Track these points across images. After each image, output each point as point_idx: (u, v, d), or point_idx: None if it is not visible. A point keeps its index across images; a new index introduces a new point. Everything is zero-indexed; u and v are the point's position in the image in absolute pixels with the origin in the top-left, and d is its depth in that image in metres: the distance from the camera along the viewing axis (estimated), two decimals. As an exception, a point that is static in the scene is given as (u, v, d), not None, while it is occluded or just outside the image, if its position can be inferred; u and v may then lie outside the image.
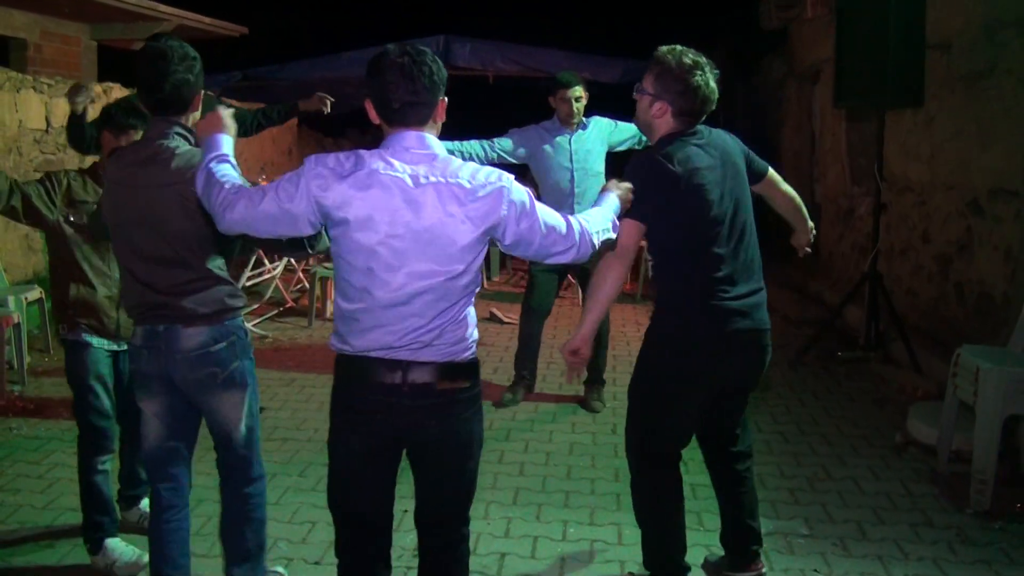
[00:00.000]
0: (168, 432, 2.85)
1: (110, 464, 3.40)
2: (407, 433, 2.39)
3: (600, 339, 5.33)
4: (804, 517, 3.82)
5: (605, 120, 5.33)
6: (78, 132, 4.20)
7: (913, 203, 6.41)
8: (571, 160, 5.16)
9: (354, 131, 14.52)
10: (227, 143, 2.45)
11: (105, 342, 3.37)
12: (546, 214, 2.35)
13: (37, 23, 9.03)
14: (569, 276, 5.40)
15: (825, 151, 9.06)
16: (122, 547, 3.37)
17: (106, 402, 3.36)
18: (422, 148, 2.28)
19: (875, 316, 6.04)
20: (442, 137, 2.42)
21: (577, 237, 2.38)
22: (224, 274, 2.82)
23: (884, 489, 4.13)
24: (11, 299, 5.77)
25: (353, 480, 2.45)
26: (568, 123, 5.16)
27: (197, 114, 2.77)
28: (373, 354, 2.30)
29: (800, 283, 8.82)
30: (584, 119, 5.21)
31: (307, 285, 7.97)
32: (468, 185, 2.25)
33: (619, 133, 5.30)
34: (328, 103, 4.95)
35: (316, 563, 3.41)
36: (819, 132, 9.44)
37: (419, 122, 2.29)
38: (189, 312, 2.72)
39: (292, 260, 7.88)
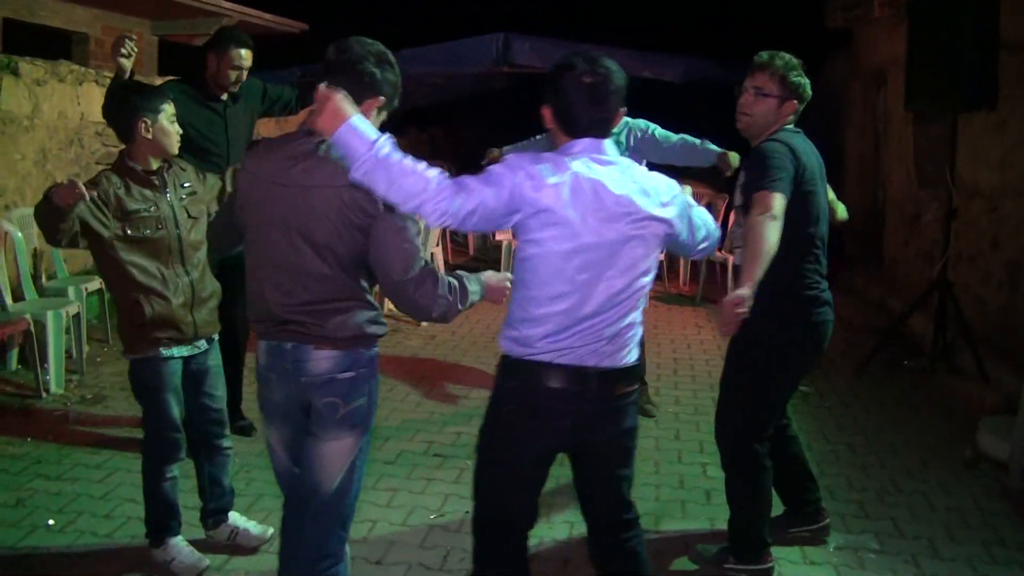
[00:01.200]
0: (289, 459, 2.61)
1: (178, 469, 3.33)
2: (583, 436, 2.46)
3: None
4: (874, 532, 3.74)
5: (641, 122, 5.01)
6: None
7: (983, 209, 6.23)
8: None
9: (412, 128, 14.48)
10: (368, 125, 2.19)
11: (185, 349, 3.23)
12: (701, 214, 2.58)
13: (98, 18, 9.21)
14: None
15: (891, 155, 8.86)
16: (186, 548, 3.32)
17: (178, 413, 3.25)
18: (606, 154, 2.36)
19: (943, 325, 5.89)
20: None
21: (716, 232, 2.61)
22: (371, 297, 2.51)
23: (955, 504, 4.02)
24: (71, 289, 5.88)
25: (519, 483, 2.50)
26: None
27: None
28: (561, 360, 2.33)
29: (863, 289, 8.65)
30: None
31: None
32: (653, 192, 2.36)
33: (652, 140, 5.00)
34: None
35: (377, 563, 3.40)
36: (884, 135, 9.24)
37: (603, 134, 2.37)
38: (324, 332, 2.41)
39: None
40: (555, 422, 2.41)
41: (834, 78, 10.87)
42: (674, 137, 4.98)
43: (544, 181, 2.24)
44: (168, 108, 3.10)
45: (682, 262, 9.41)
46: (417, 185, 2.15)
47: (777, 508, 3.54)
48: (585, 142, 2.35)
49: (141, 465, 3.30)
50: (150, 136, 3.08)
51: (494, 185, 2.23)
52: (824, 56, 11.09)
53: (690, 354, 6.64)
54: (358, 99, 2.27)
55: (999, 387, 5.35)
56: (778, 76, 3.12)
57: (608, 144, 2.37)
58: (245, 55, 4.30)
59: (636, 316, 2.43)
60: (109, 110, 3.15)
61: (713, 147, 4.98)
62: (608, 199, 2.28)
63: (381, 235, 2.34)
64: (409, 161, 2.17)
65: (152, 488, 3.27)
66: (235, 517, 3.53)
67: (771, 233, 2.83)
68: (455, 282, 2.47)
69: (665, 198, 2.39)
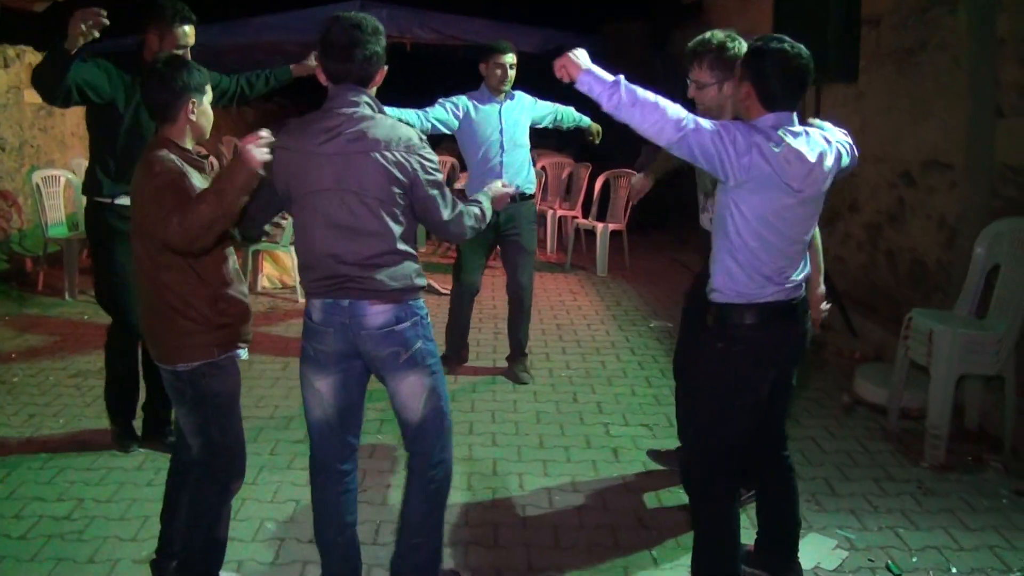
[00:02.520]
0: (341, 404, 2.82)
1: None
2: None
3: (524, 311, 5.39)
4: (778, 476, 3.97)
5: (527, 95, 5.32)
6: (61, 74, 3.53)
7: (840, 174, 6.66)
8: (501, 131, 5.11)
9: (278, 97, 14.07)
10: (600, 70, 2.64)
11: (245, 349, 2.92)
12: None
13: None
14: (497, 248, 5.38)
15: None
16: None
17: None
18: (794, 125, 2.70)
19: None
20: None
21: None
22: (413, 250, 2.77)
23: (843, 448, 4.33)
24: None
25: (758, 410, 2.88)
26: (498, 91, 5.09)
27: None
28: (787, 298, 2.79)
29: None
30: (511, 91, 5.19)
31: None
32: (828, 153, 2.73)
33: (539, 109, 5.31)
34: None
35: (309, 541, 3.36)
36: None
37: (793, 108, 2.71)
38: (378, 286, 2.68)
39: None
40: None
41: (685, 49, 11.26)
42: (550, 105, 5.38)
43: (772, 149, 2.60)
44: (210, 89, 2.86)
45: (548, 231, 9.56)
46: (655, 113, 2.57)
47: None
48: (781, 115, 2.68)
49: (192, 497, 2.90)
50: (195, 118, 2.77)
51: (730, 136, 2.59)
52: (674, 27, 11.49)
53: (571, 319, 6.80)
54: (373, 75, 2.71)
55: (867, 339, 5.78)
56: (706, 64, 3.19)
57: (795, 116, 2.72)
58: (189, 32, 3.86)
59: None
60: (151, 87, 2.76)
61: (587, 120, 5.43)
62: (806, 165, 2.64)
63: (423, 189, 2.71)
64: (644, 93, 2.58)
65: (213, 524, 2.88)
66: None
67: None
68: (477, 210, 2.94)
69: (829, 160, 2.73)
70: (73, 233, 7.29)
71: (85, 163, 8.30)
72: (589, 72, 2.61)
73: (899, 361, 4.46)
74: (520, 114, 5.21)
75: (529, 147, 5.27)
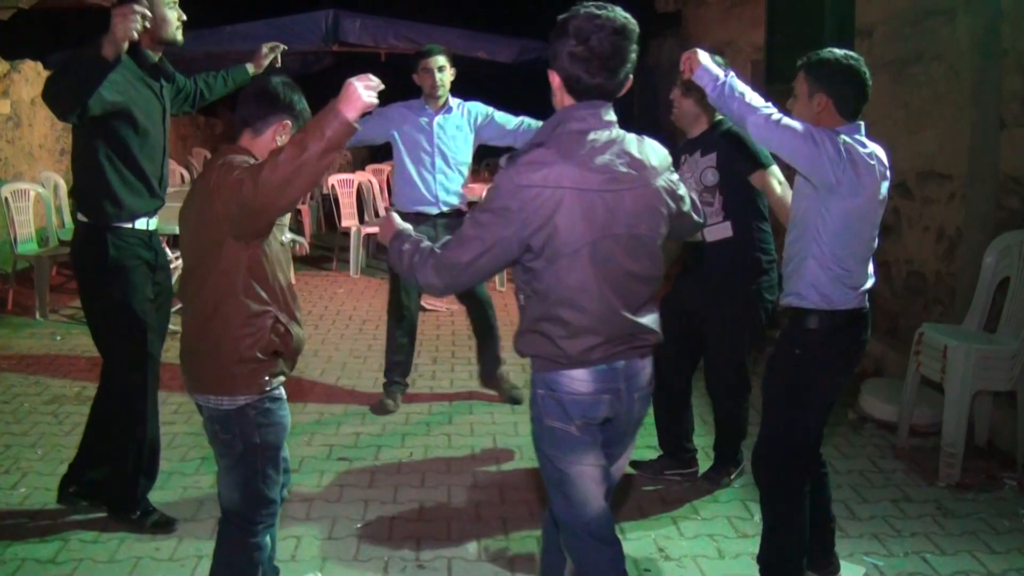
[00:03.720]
0: (609, 480, 2.45)
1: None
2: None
3: (492, 330, 5.14)
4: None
5: (480, 106, 4.95)
6: (96, 86, 3.01)
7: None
8: (432, 144, 4.80)
9: (224, 109, 13.85)
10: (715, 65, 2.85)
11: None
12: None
13: None
14: None
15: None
16: None
17: None
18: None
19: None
20: None
21: None
22: None
23: (856, 467, 4.25)
24: None
25: (831, 410, 3.05)
26: (432, 99, 4.78)
27: None
28: (859, 305, 2.92)
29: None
30: (455, 101, 4.86)
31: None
32: None
33: (494, 124, 4.91)
34: (279, 52, 4.09)
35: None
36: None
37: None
38: (649, 337, 2.37)
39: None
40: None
41: (662, 59, 11.23)
42: (514, 120, 4.94)
43: (859, 152, 2.77)
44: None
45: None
46: (748, 108, 2.73)
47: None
48: (853, 125, 2.85)
49: (219, 546, 2.72)
50: (279, 140, 2.57)
51: (824, 138, 2.70)
52: (652, 37, 11.44)
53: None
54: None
55: (866, 353, 5.70)
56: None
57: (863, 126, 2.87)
58: (178, 15, 3.41)
59: None
60: (257, 97, 2.56)
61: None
62: (880, 169, 2.83)
63: (681, 211, 2.46)
64: (744, 89, 2.76)
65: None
66: None
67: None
68: None
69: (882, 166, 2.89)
70: (44, 249, 7.05)
71: (55, 176, 8.04)
72: (705, 69, 2.77)
73: (910, 377, 4.38)
74: (460, 127, 4.87)
75: (469, 167, 4.94)
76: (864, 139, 2.84)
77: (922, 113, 5.39)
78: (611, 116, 2.29)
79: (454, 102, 4.88)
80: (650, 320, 2.37)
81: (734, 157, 3.65)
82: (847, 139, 2.74)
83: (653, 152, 2.35)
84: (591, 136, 2.23)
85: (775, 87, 6.54)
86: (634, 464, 4.08)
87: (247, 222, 2.37)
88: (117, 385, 3.49)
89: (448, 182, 4.86)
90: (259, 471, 2.60)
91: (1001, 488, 4.00)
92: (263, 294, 2.51)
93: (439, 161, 4.82)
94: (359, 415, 4.90)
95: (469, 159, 4.94)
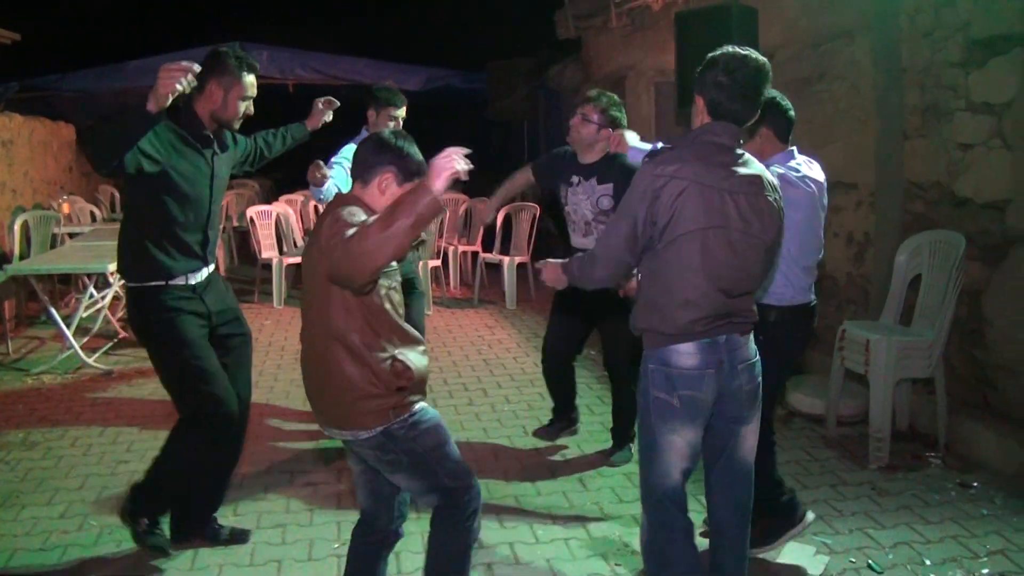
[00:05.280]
0: (694, 460, 2.77)
1: None
2: None
3: None
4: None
5: None
6: (137, 140, 3.09)
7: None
8: None
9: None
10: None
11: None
12: None
13: None
14: None
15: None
16: None
17: None
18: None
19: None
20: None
21: None
22: None
23: (792, 458, 4.55)
24: None
25: None
26: None
27: None
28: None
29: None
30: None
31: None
32: None
33: None
34: (334, 107, 4.21)
35: None
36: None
37: None
38: (748, 316, 2.76)
39: (118, 288, 7.25)
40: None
41: (564, 83, 11.61)
42: None
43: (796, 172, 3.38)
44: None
45: (451, 265, 9.62)
46: None
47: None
48: (790, 149, 3.47)
49: (442, 543, 2.77)
50: (383, 189, 2.66)
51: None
52: (554, 63, 11.82)
53: (495, 353, 6.87)
54: None
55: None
56: (599, 109, 4.22)
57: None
58: (254, 82, 3.49)
59: None
60: (374, 146, 2.65)
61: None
62: (817, 182, 3.45)
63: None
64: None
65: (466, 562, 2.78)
66: None
67: None
68: None
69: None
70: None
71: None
72: (636, 149, 3.37)
73: (835, 371, 4.73)
74: None
75: None
76: (798, 164, 3.36)
77: (826, 128, 5.82)
78: (739, 138, 2.73)
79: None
80: (748, 303, 2.77)
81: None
82: (779, 169, 3.24)
83: (765, 172, 2.75)
84: (722, 145, 2.66)
85: (685, 110, 6.91)
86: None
87: (340, 283, 2.48)
88: (182, 430, 3.50)
89: None
90: (437, 471, 2.68)
91: (928, 466, 4.37)
92: (377, 334, 2.58)
93: None
94: (313, 439, 4.95)
95: None
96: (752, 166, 2.70)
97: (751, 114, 2.69)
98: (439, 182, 2.34)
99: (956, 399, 4.70)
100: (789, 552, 3.56)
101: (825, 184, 3.46)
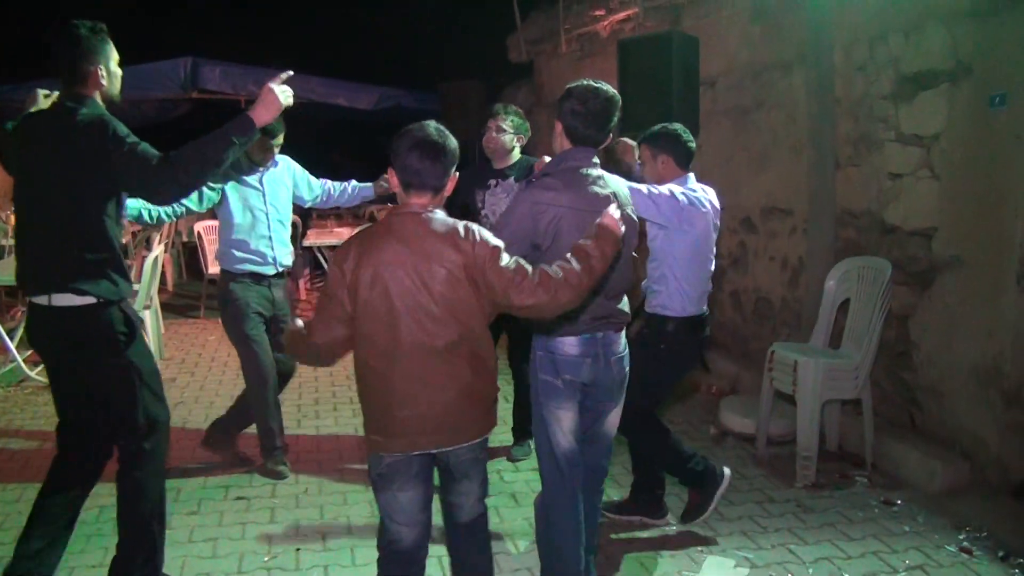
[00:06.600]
0: (575, 430, 3.15)
1: None
2: None
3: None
4: (669, 509, 4.17)
5: (293, 164, 4.86)
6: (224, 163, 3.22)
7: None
8: (265, 202, 4.61)
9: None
10: None
11: None
12: None
13: None
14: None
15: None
16: None
17: None
18: None
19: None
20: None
21: None
22: None
23: (723, 475, 4.63)
24: None
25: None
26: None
27: None
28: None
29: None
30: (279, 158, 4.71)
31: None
32: None
33: (310, 186, 4.92)
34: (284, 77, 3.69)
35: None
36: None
37: None
38: (622, 317, 3.17)
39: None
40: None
41: (517, 104, 11.69)
42: (340, 186, 5.06)
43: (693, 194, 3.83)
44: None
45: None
46: (640, 191, 3.64)
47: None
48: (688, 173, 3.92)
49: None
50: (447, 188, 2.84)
51: (657, 198, 3.65)
52: (507, 84, 11.93)
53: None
54: None
55: (721, 374, 6.20)
56: (509, 119, 4.73)
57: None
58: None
59: None
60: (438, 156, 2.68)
61: (364, 184, 5.08)
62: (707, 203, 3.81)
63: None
64: (643, 187, 3.68)
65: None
66: None
67: None
68: None
69: None
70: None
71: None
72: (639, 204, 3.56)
73: (765, 392, 4.84)
74: (280, 184, 4.71)
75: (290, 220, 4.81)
76: (694, 186, 3.80)
77: (763, 155, 5.98)
78: (596, 159, 3.09)
79: (280, 158, 4.77)
80: (623, 304, 3.17)
81: None
82: (681, 189, 3.69)
83: (619, 187, 3.16)
84: (583, 171, 3.04)
85: (628, 134, 7.04)
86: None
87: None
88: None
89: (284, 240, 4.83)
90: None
91: (853, 485, 4.48)
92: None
93: (273, 217, 4.76)
94: (250, 454, 4.93)
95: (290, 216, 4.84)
96: (610, 184, 3.08)
97: (603, 138, 3.07)
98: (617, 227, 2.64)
99: (884, 419, 4.84)
100: (710, 566, 3.64)
101: (720, 209, 3.89)
